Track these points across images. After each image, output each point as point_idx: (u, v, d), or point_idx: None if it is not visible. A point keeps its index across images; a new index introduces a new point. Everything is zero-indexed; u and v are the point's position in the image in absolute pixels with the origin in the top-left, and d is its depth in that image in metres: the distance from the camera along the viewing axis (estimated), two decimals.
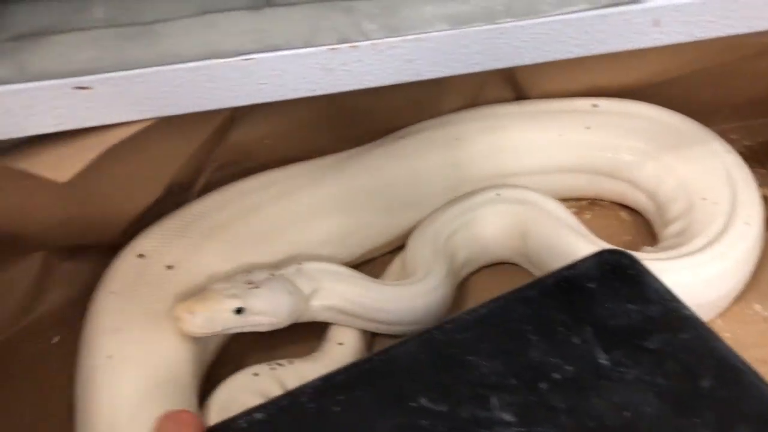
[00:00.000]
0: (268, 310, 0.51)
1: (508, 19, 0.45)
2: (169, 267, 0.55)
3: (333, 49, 0.46)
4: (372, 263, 0.71)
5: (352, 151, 0.69)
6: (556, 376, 0.44)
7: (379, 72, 0.48)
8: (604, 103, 0.75)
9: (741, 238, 0.66)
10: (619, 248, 0.53)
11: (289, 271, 0.57)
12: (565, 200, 0.77)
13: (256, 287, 0.51)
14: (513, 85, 0.77)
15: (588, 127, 0.74)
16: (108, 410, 0.46)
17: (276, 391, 0.54)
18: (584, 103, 0.75)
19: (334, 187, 0.65)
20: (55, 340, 0.63)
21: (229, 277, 0.53)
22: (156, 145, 0.51)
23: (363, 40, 0.45)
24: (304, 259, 0.64)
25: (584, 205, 0.79)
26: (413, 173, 0.68)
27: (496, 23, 0.45)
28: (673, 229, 0.71)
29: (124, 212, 0.57)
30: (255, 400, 0.54)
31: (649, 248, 0.72)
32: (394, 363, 0.45)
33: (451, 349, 0.45)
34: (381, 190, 0.67)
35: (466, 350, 0.45)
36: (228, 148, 0.63)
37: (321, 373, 0.57)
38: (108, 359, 0.48)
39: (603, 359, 0.45)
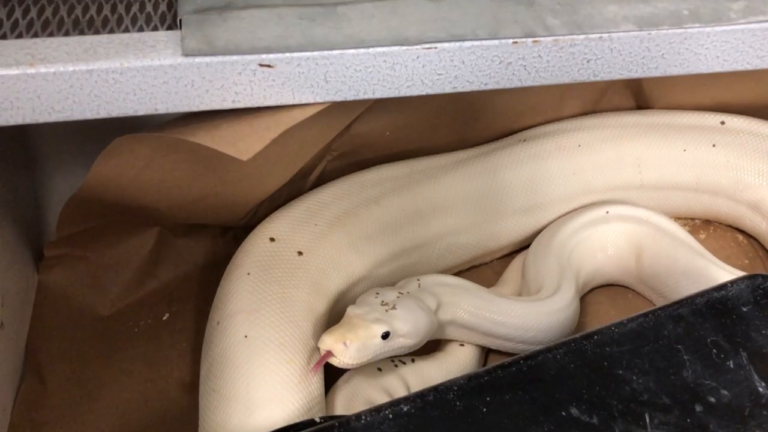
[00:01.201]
0: (410, 331, 0.50)
1: (696, 24, 0.43)
2: (300, 253, 0.54)
3: (516, 42, 0.44)
4: (478, 270, 0.70)
5: (471, 151, 0.68)
6: (712, 399, 0.42)
7: (556, 70, 0.46)
8: (733, 121, 0.73)
9: None
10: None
11: (412, 287, 0.56)
12: (677, 219, 0.74)
13: (394, 308, 0.50)
14: (636, 94, 0.74)
15: (714, 145, 0.71)
16: (244, 389, 0.46)
17: (398, 388, 0.53)
18: (712, 118, 0.73)
19: (453, 186, 0.64)
20: (166, 317, 0.63)
21: (361, 300, 0.52)
22: (303, 131, 0.50)
23: (546, 35, 0.44)
24: (417, 258, 0.63)
25: (698, 225, 0.76)
26: (532, 178, 0.67)
27: (683, 27, 0.43)
28: None
29: (253, 195, 0.57)
30: (378, 395, 0.53)
31: None
32: (542, 369, 0.43)
33: (602, 361, 0.44)
34: (498, 193, 0.65)
35: (617, 364, 0.43)
36: (349, 139, 0.63)
37: (443, 372, 0.57)
38: (245, 339, 0.48)
39: (762, 387, 0.43)
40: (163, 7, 0.47)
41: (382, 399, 0.52)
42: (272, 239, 0.54)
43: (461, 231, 0.64)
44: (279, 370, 0.46)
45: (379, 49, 0.44)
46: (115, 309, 0.63)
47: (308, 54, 0.44)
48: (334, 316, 0.54)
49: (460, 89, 0.47)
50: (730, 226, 0.76)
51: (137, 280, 0.64)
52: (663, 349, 0.44)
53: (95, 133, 0.55)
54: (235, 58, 0.43)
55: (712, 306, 0.47)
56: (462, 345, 0.58)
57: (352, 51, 0.44)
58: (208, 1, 0.45)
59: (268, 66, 0.43)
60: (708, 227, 0.76)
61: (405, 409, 0.41)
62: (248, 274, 0.51)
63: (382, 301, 0.51)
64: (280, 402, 0.45)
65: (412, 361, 0.55)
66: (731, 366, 0.44)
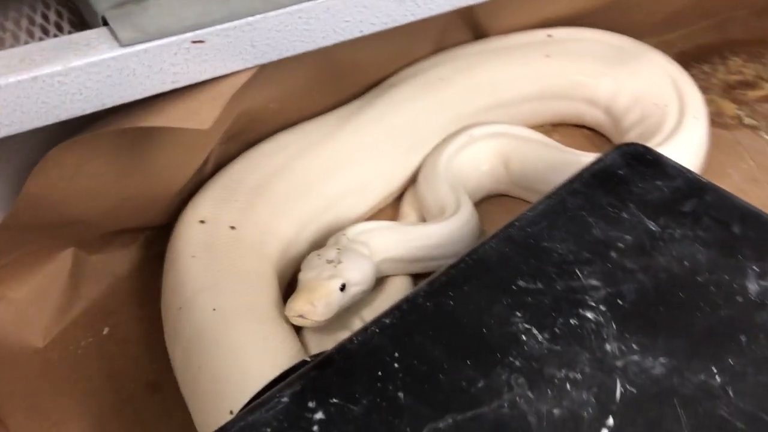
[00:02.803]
0: (361, 278, 0.55)
1: None
2: (233, 228, 0.56)
3: None
4: (383, 212, 0.75)
5: (353, 105, 0.73)
6: (620, 245, 0.51)
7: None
8: (558, 32, 0.84)
9: (693, 130, 0.76)
10: (633, 141, 0.61)
11: (343, 241, 0.60)
12: (532, 127, 0.84)
13: (340, 263, 0.54)
14: (472, 26, 0.83)
15: (547, 56, 0.82)
16: (233, 354, 0.48)
17: (358, 323, 0.58)
18: (540, 33, 0.83)
19: (346, 140, 0.68)
20: (106, 331, 0.63)
21: (307, 264, 0.55)
22: (196, 113, 0.53)
23: None
24: (333, 212, 0.67)
25: (549, 129, 0.87)
26: (411, 117, 0.73)
27: None
28: (631, 135, 0.80)
29: (175, 184, 0.58)
30: (345, 334, 0.58)
31: None
32: (485, 259, 0.50)
33: (528, 239, 0.51)
34: (387, 138, 0.71)
35: (541, 238, 0.51)
36: (236, 119, 0.65)
37: (388, 301, 0.63)
38: (214, 312, 0.50)
39: (653, 226, 0.53)
40: (66, 14, 0.47)
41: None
42: (202, 221, 0.56)
43: (366, 179, 0.69)
44: (259, 329, 0.49)
45: (295, 7, 0.48)
46: (49, 338, 0.62)
47: (234, 23, 0.46)
48: (280, 280, 0.57)
49: (366, 32, 0.51)
50: (575, 125, 0.88)
51: (64, 305, 0.63)
52: (571, 218, 0.53)
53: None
54: (169, 40, 0.45)
55: (596, 176, 0.56)
56: (396, 276, 0.64)
57: (272, 13, 0.47)
58: None
59: (200, 42, 0.45)
60: (558, 129, 0.87)
61: (387, 321, 0.46)
62: (193, 257, 0.53)
63: (327, 260, 0.55)
64: (271, 356, 0.48)
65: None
66: (626, 216, 0.53)
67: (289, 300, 0.52)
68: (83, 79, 0.44)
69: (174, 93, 0.47)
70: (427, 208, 0.70)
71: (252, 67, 0.49)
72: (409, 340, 0.45)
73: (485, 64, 0.79)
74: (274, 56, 0.49)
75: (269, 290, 0.54)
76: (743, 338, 0.46)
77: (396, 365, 0.43)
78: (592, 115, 0.85)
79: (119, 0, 0.46)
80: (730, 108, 0.90)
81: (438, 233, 0.64)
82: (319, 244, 0.68)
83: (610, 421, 0.41)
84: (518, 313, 0.46)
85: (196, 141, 0.54)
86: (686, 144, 0.76)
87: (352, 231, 0.62)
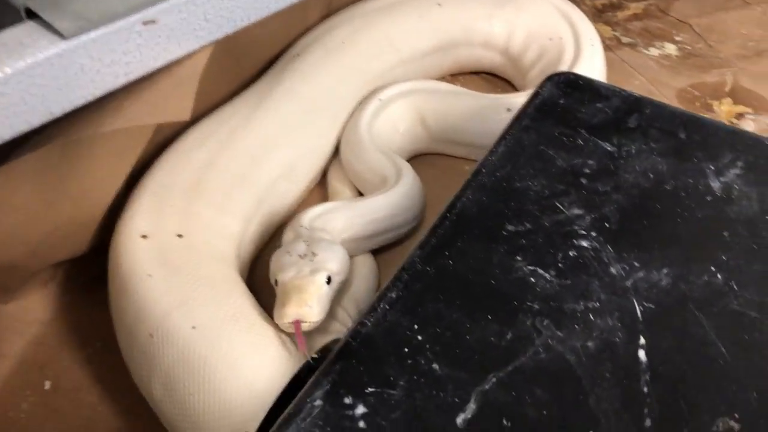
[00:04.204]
0: (340, 266, 0.51)
1: None
2: (180, 236, 0.50)
3: None
4: (315, 192, 0.71)
5: (262, 83, 0.67)
6: (587, 170, 0.51)
7: None
8: None
9: (592, 57, 0.78)
10: (561, 70, 0.62)
11: (303, 232, 0.56)
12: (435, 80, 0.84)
13: (314, 255, 0.50)
14: None
15: (439, 4, 0.80)
16: (229, 372, 0.43)
17: (340, 310, 0.54)
18: None
19: (265, 122, 0.64)
20: (48, 386, 0.55)
21: (280, 266, 0.50)
22: (164, 106, 0.46)
23: None
24: (271, 200, 0.63)
25: (450, 80, 0.86)
26: (323, 87, 0.69)
27: None
28: (533, 73, 0.82)
29: (103, 202, 0.51)
30: (332, 323, 0.54)
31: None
32: (466, 212, 0.48)
33: (501, 183, 0.50)
34: (304, 112, 0.67)
35: (512, 180, 0.50)
36: None
37: (363, 281, 0.60)
38: (195, 330, 0.44)
39: (609, 147, 0.53)
40: None
41: (338, 326, 0.53)
42: (144, 236, 0.50)
43: (293, 160, 0.65)
44: (250, 338, 0.45)
45: None
46: None
47: None
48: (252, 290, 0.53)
49: None
50: (474, 72, 0.88)
51: None
52: (534, 154, 0.52)
53: None
54: (117, 25, 0.38)
55: (541, 110, 0.56)
56: (358, 257, 0.61)
57: None
58: None
59: (152, 22, 0.39)
60: (459, 79, 0.86)
61: (394, 295, 0.43)
62: (150, 276, 0.47)
63: (299, 255, 0.51)
64: (271, 364, 0.44)
65: None
66: (581, 143, 0.53)
67: (276, 307, 0.48)
68: (26, 85, 0.37)
69: (127, 89, 0.41)
70: (365, 181, 0.67)
71: (208, 45, 0.43)
72: (423, 310, 0.42)
73: (382, 22, 0.77)
74: (229, 29, 0.44)
75: (243, 295, 0.49)
76: (726, 234, 0.47)
77: (419, 338, 0.41)
78: (491, 59, 0.85)
79: None
80: (606, 30, 0.94)
81: (390, 203, 0.62)
82: (263, 240, 0.63)
83: (642, 340, 0.41)
84: (518, 257, 0.45)
85: (125, 144, 0.48)
86: (589, 71, 0.77)
87: (306, 219, 0.58)
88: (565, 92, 0.58)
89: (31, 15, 0.38)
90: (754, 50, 0.90)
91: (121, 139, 0.45)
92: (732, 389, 0.39)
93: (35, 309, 0.59)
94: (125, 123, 0.41)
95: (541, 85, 0.59)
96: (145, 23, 0.39)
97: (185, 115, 0.42)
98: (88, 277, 0.61)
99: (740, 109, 0.81)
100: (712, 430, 0.37)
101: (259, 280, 0.61)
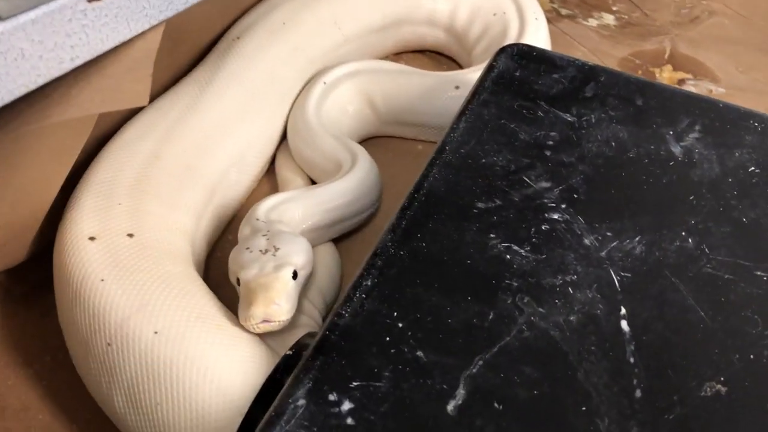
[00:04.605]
0: (306, 260, 0.48)
1: None
2: (130, 235, 0.47)
3: None
4: (264, 183, 0.68)
5: (203, 69, 0.64)
6: (550, 142, 0.50)
7: None
8: None
9: (537, 30, 0.78)
10: (512, 43, 0.60)
11: (259, 225, 0.53)
12: (380, 59, 0.82)
13: (276, 249, 0.47)
14: None
15: None
16: (202, 377, 0.40)
17: (305, 302, 0.52)
18: None
19: (210, 109, 0.60)
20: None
21: (240, 263, 0.47)
22: (117, 92, 0.42)
23: None
24: (221, 192, 0.60)
25: (393, 58, 0.84)
26: (267, 70, 0.66)
27: None
28: (478, 50, 0.80)
29: (42, 203, 0.47)
30: (299, 318, 0.51)
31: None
32: (435, 191, 0.46)
33: (467, 160, 0.49)
34: (250, 97, 0.64)
35: (477, 156, 0.49)
36: None
37: (326, 270, 0.58)
38: (156, 335, 0.41)
39: (569, 117, 0.52)
40: None
41: (305, 319, 0.50)
42: (92, 238, 0.46)
43: (242, 148, 0.62)
44: (218, 338, 0.42)
45: None
46: None
47: None
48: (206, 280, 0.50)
49: None
50: (417, 51, 0.86)
51: None
52: (495, 129, 0.51)
53: None
54: (59, 2, 0.33)
55: (498, 83, 0.55)
56: (319, 246, 0.58)
57: None
58: None
59: (98, 0, 0.35)
60: (402, 57, 0.85)
61: (369, 283, 0.41)
62: (102, 280, 0.44)
63: (260, 251, 0.48)
64: (243, 363, 0.42)
65: None
66: (542, 115, 0.52)
67: (241, 308, 0.45)
68: None
69: (75, 75, 0.37)
70: (318, 168, 0.65)
71: (158, 25, 0.40)
72: (401, 296, 0.40)
73: (324, 0, 0.74)
74: (180, 4, 0.40)
75: (205, 294, 0.46)
76: (692, 198, 0.47)
77: (400, 325, 0.39)
78: (435, 36, 0.83)
79: None
80: (544, 3, 0.94)
81: (349, 188, 0.59)
82: (216, 234, 0.60)
83: (623, 311, 0.40)
84: (492, 235, 0.44)
85: (64, 140, 0.44)
86: (534, 40, 0.77)
87: (261, 212, 0.55)
88: (520, 64, 0.57)
89: None
90: (688, 17, 0.92)
91: (61, 135, 0.41)
92: (715, 353, 0.39)
93: None
94: (75, 113, 0.37)
95: (495, 58, 0.58)
96: (91, 1, 0.35)
97: (143, 101, 0.38)
98: (26, 286, 0.56)
99: (680, 75, 0.83)
100: (700, 395, 0.37)
101: (215, 277, 0.59)
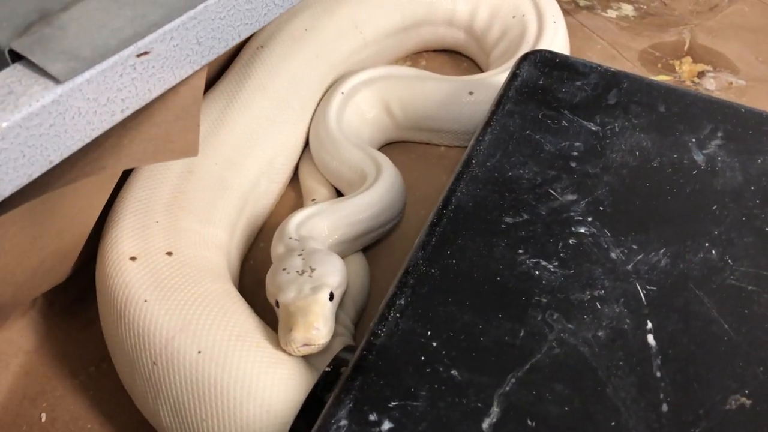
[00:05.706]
0: (341, 279, 0.50)
1: None
2: (169, 253, 0.49)
3: None
4: (290, 191, 0.70)
5: (230, 80, 0.65)
6: (575, 153, 0.51)
7: None
8: None
9: (555, 33, 0.78)
10: (536, 49, 0.61)
11: (294, 244, 0.54)
12: (398, 61, 0.82)
13: (312, 270, 0.49)
14: None
15: None
16: (245, 395, 0.42)
17: (340, 312, 0.54)
18: None
19: (238, 120, 0.61)
20: (44, 417, 0.53)
21: (278, 286, 0.48)
22: (169, 142, 0.43)
23: None
24: (252, 203, 0.61)
25: (414, 58, 0.85)
26: (291, 77, 0.67)
27: None
28: (497, 51, 0.81)
29: (84, 228, 0.48)
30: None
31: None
32: (463, 206, 0.48)
33: (493, 174, 0.50)
34: (276, 105, 0.65)
35: (504, 170, 0.50)
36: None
37: (357, 278, 0.59)
38: (200, 355, 0.43)
39: (593, 126, 0.53)
40: None
41: (339, 329, 0.52)
42: (133, 258, 0.48)
43: (271, 156, 0.63)
44: (259, 357, 0.44)
45: None
46: None
47: (176, 22, 0.37)
48: (243, 296, 0.51)
49: (296, 2, 0.45)
50: (436, 51, 0.86)
51: None
52: (520, 140, 0.52)
53: None
54: (111, 60, 0.35)
55: (521, 92, 0.56)
56: (348, 257, 0.60)
57: (211, 0, 0.39)
58: (17, 19, 0.35)
59: (146, 53, 0.36)
60: (423, 56, 0.85)
61: (402, 302, 0.43)
62: (146, 301, 0.46)
63: (297, 272, 0.49)
64: (285, 381, 0.43)
65: None
66: (566, 124, 0.53)
67: (281, 332, 0.46)
68: (24, 137, 0.34)
69: (124, 123, 0.38)
70: (343, 178, 0.66)
71: (200, 69, 0.41)
72: (433, 314, 0.42)
73: (344, 5, 0.75)
74: (220, 49, 0.41)
75: (244, 311, 0.48)
76: (715, 207, 0.48)
77: (434, 344, 0.41)
78: (454, 37, 0.84)
79: (20, 25, 0.35)
80: None
81: (374, 201, 0.61)
82: (247, 245, 0.62)
83: (649, 324, 0.42)
84: (520, 250, 0.45)
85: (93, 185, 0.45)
86: (552, 48, 0.77)
87: (292, 228, 0.56)
88: (543, 71, 0.57)
89: (17, 57, 0.35)
90: (708, 5, 0.92)
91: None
92: (739, 365, 0.40)
93: (17, 339, 0.56)
94: (129, 163, 0.39)
95: (518, 65, 0.59)
96: (139, 55, 0.36)
97: (193, 151, 0.40)
98: (68, 298, 0.58)
99: (700, 67, 0.83)
100: (725, 408, 0.39)
101: (249, 285, 0.60)
